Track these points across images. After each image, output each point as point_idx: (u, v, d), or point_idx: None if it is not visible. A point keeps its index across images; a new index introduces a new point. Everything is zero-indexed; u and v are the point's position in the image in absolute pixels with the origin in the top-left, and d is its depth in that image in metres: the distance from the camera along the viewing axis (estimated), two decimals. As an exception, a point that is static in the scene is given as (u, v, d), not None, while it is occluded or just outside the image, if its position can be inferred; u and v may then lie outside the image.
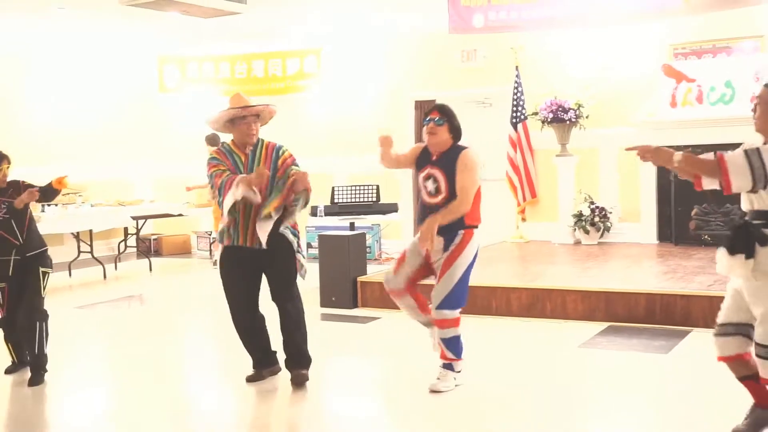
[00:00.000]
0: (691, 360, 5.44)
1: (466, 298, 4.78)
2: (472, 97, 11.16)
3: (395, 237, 11.01)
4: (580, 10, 8.76)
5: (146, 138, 12.76)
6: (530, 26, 9.19)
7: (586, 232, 9.99)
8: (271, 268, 4.95)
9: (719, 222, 9.34)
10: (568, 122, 9.99)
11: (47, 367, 5.34)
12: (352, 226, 8.32)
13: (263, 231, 4.77)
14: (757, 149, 3.49)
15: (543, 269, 8.18)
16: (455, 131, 4.77)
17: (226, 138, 5.18)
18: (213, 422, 4.52)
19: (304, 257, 5.08)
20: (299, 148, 5.85)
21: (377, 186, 8.60)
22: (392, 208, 8.61)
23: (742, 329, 3.78)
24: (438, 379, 4.78)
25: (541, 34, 10.16)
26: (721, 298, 3.94)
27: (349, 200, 8.57)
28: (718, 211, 9.38)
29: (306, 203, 4.93)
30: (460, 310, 4.73)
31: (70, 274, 10.23)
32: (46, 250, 5.55)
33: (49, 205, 9.41)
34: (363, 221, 8.99)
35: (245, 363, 5.19)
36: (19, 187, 5.44)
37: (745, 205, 3.68)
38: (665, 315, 6.45)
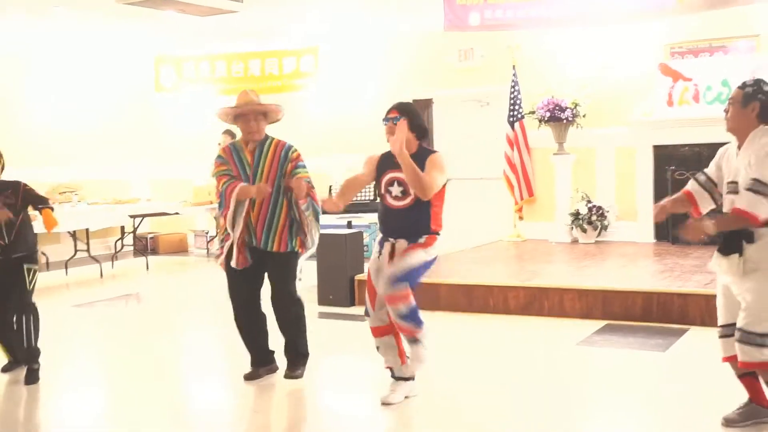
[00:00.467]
0: (689, 358, 5.44)
1: (415, 285, 4.47)
2: (470, 96, 11.17)
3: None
4: (576, 10, 8.77)
5: (143, 137, 12.73)
6: (526, 25, 9.20)
7: (584, 230, 10.00)
8: (271, 269, 5.02)
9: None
10: (565, 121, 10.01)
11: (40, 361, 5.34)
12: (349, 225, 8.32)
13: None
14: (759, 181, 3.71)
15: (540, 268, 8.19)
16: (418, 129, 4.49)
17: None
18: (210, 421, 4.51)
19: (315, 233, 5.09)
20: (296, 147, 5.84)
21: (374, 184, 8.58)
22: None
23: None
24: (391, 391, 4.56)
25: (538, 33, 10.17)
26: (717, 297, 4.05)
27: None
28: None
29: (315, 209, 5.03)
30: (410, 289, 4.40)
31: (66, 273, 10.21)
32: (36, 249, 5.51)
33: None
34: (360, 220, 8.99)
35: (243, 361, 5.19)
36: (18, 189, 5.39)
37: (726, 207, 3.94)
38: (662, 313, 6.46)
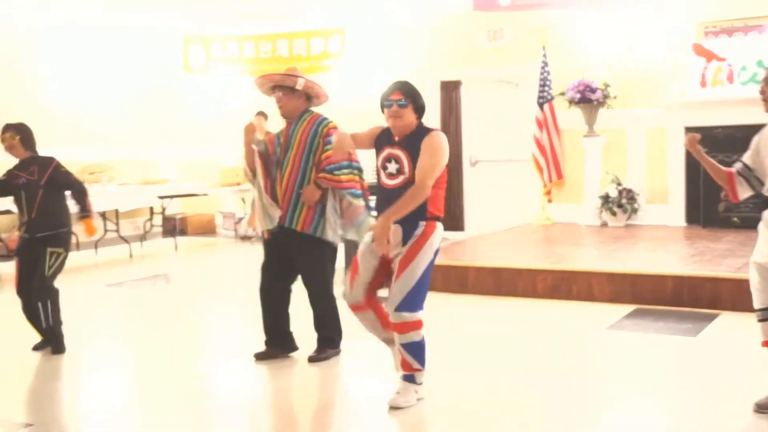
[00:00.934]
0: (720, 343, 5.37)
1: (425, 298, 4.21)
2: (499, 76, 11.05)
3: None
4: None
5: (171, 118, 12.79)
6: (557, 4, 9.08)
7: (613, 213, 9.89)
8: (297, 254, 5.06)
9: (748, 204, 9.20)
10: (595, 102, 9.87)
11: (63, 332, 5.45)
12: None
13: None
14: None
15: (569, 251, 8.11)
16: (420, 110, 4.26)
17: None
18: (232, 404, 4.53)
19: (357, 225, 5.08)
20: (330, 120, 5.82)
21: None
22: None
23: None
24: (397, 393, 4.26)
25: (569, 13, 10.02)
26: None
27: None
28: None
29: (352, 194, 5.06)
30: (421, 312, 4.17)
31: (96, 252, 10.32)
32: (63, 231, 5.51)
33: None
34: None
35: (269, 343, 5.22)
36: (47, 167, 5.42)
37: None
38: (693, 298, 6.37)
